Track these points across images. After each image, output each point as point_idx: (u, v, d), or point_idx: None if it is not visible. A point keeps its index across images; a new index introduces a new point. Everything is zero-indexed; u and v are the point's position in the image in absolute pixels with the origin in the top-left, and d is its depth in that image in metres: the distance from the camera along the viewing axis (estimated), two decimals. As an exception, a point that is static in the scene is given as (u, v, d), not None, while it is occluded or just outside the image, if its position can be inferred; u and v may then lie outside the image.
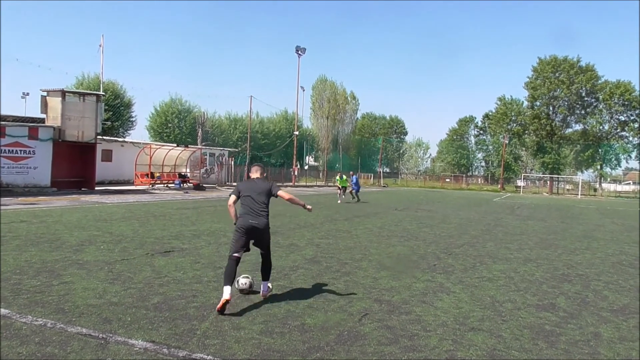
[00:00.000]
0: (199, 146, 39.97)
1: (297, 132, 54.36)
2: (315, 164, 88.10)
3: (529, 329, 4.94)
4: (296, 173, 51.97)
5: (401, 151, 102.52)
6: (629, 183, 77.45)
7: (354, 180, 25.12)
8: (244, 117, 62.38)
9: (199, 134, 46.22)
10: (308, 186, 49.26)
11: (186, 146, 36.29)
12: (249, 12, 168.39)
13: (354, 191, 24.72)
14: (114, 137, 40.73)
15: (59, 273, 6.39)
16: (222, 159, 40.54)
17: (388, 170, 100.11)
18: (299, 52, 51.12)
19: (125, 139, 39.45)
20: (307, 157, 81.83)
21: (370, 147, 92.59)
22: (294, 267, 7.45)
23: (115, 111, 48.65)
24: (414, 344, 4.37)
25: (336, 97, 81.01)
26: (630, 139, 68.18)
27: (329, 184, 57.95)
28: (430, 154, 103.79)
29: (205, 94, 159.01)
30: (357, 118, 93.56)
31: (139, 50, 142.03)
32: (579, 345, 4.54)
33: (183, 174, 34.40)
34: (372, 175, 74.79)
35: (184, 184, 31.67)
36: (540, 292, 6.59)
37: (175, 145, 36.18)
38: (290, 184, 48.27)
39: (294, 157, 53.81)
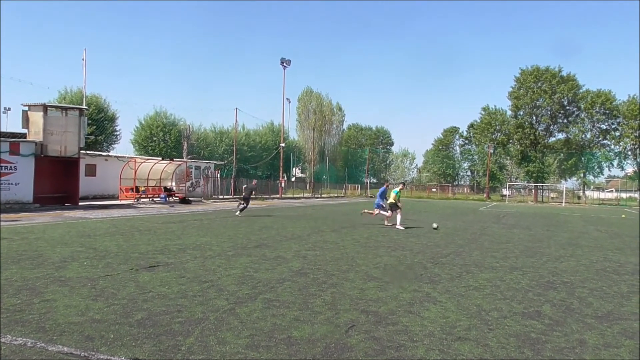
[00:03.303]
0: (185, 159, 39.72)
1: (283, 144, 54.39)
2: (303, 175, 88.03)
3: (515, 337, 4.95)
4: (283, 185, 51.86)
5: (388, 162, 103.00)
6: (612, 191, 78.53)
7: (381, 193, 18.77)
8: (229, 129, 62.27)
9: (185, 147, 45.90)
10: (295, 198, 49.20)
11: (171, 159, 36.06)
12: (235, 24, 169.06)
13: (384, 204, 18.19)
14: (98, 151, 40.34)
15: (40, 291, 6.27)
16: (208, 172, 40.36)
17: (375, 180, 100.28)
18: (284, 64, 51.31)
19: (110, 153, 39.08)
20: (294, 169, 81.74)
21: (357, 158, 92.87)
22: (280, 280, 7.40)
23: (99, 125, 48.23)
24: (400, 355, 4.35)
25: (322, 109, 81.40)
26: (612, 147, 69.44)
27: (316, 195, 57.94)
28: (417, 164, 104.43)
29: (190, 107, 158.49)
30: (344, 129, 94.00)
31: (124, 63, 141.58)
32: (564, 353, 4.56)
33: (169, 187, 34.14)
34: (359, 186, 74.97)
35: (170, 198, 31.42)
36: (526, 300, 6.62)
37: (160, 158, 35.93)
38: (277, 196, 48.14)
39: (281, 169, 53.75)
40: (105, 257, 8.95)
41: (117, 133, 53.01)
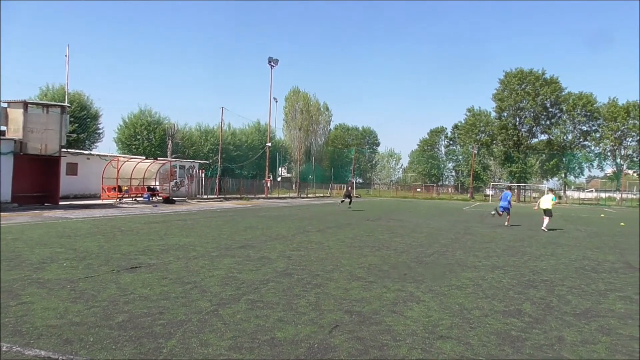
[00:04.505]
0: (169, 158, 39.41)
1: (269, 144, 54.22)
2: (289, 175, 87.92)
3: (495, 335, 5.01)
4: (269, 185, 51.72)
5: (374, 162, 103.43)
6: (592, 191, 79.84)
7: (509, 198, 21.11)
8: (215, 128, 61.92)
9: (169, 146, 45.55)
10: (281, 198, 49.11)
11: (155, 159, 35.74)
12: (221, 22, 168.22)
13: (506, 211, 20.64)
14: (80, 149, 39.78)
15: (17, 293, 6.16)
16: (193, 171, 40.09)
17: (361, 180, 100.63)
18: (272, 64, 51.16)
19: (92, 152, 38.59)
20: (280, 169, 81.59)
21: (343, 158, 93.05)
22: (264, 281, 7.37)
23: (82, 123, 47.54)
24: (383, 355, 4.36)
25: (309, 109, 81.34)
26: (592, 148, 70.63)
27: (302, 195, 57.91)
28: (402, 165, 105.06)
29: (175, 105, 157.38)
30: (330, 129, 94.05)
31: (108, 61, 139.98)
32: (544, 350, 4.62)
33: (152, 187, 33.84)
34: (345, 186, 75.16)
35: (153, 198, 31.15)
36: (507, 299, 6.69)
37: (144, 157, 35.58)
38: (263, 195, 48.01)
39: (267, 168, 53.58)
40: (86, 258, 8.83)
41: (100, 131, 52.37)
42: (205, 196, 39.38)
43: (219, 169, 48.55)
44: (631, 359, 4.47)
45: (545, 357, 4.43)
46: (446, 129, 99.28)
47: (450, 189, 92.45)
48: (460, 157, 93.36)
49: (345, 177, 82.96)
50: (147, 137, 55.03)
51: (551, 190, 23.20)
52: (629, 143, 68.11)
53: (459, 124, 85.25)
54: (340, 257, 9.96)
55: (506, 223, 20.42)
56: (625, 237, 17.15)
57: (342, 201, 31.63)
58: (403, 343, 4.68)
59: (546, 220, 18.71)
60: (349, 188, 33.80)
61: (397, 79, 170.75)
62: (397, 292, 6.85)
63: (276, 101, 69.37)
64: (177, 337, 4.64)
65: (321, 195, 62.30)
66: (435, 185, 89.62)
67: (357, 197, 64.29)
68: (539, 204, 20.38)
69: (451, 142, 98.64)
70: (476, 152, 76.09)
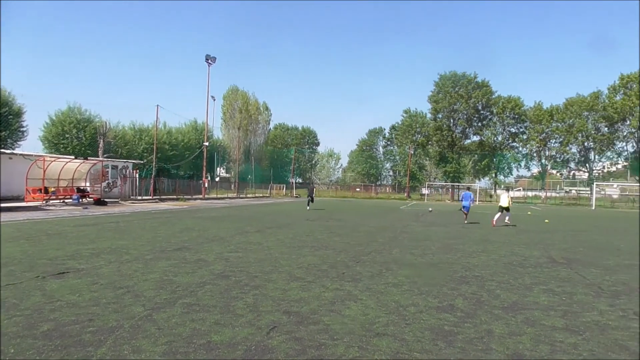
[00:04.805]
0: (100, 158, 37.76)
1: (207, 143, 53.19)
2: (227, 175, 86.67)
3: (429, 331, 5.17)
4: (206, 185, 50.72)
5: (313, 162, 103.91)
6: (520, 189, 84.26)
7: (471, 197, 23.02)
8: (150, 127, 60.00)
9: (101, 145, 43.61)
10: (219, 198, 48.30)
11: (85, 158, 34.12)
12: (158, 17, 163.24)
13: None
14: (1, 148, 37.30)
15: None
16: (126, 171, 38.64)
17: (301, 180, 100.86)
18: (209, 61, 50.20)
19: (15, 151, 36.28)
20: (218, 169, 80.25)
21: (283, 158, 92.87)
22: (201, 284, 7.22)
23: (3, 120, 44.63)
24: (321, 354, 4.39)
25: (248, 108, 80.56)
26: (520, 149, 74.68)
27: (241, 195, 57.27)
28: (342, 164, 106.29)
29: (107, 103, 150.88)
30: (270, 129, 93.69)
31: (33, 55, 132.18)
32: (474, 343, 4.82)
33: (82, 188, 32.29)
34: (285, 186, 75.01)
35: (83, 199, 29.73)
36: (440, 295, 6.93)
37: (73, 157, 33.87)
38: (200, 196, 47.02)
39: (204, 168, 52.53)
40: (8, 265, 8.29)
41: (24, 129, 49.39)
42: (139, 197, 38.07)
43: (154, 169, 47.09)
44: (552, 349, 4.75)
45: (475, 350, 4.62)
46: (384, 129, 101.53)
47: (388, 189, 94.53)
48: (397, 157, 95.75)
49: (285, 177, 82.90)
50: (76, 135, 52.48)
51: (507, 189, 25.78)
52: (552, 144, 72.55)
53: (397, 125, 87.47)
54: (279, 258, 9.93)
55: (465, 221, 22.28)
56: (549, 233, 18.22)
57: (309, 202, 33.29)
58: (340, 342, 4.73)
59: (501, 216, 21.22)
60: (312, 190, 35.67)
61: (338, 79, 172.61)
62: (335, 291, 6.92)
63: (214, 100, 68.05)
64: (108, 345, 4.46)
65: (261, 195, 61.88)
66: (373, 185, 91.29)
67: (297, 196, 64.42)
68: (499, 201, 22.61)
69: (389, 143, 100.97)
70: (412, 152, 78.34)
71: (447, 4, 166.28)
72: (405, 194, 74.67)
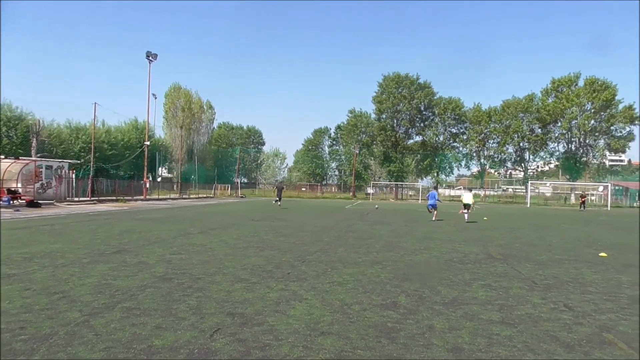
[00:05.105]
0: (33, 158, 35.83)
1: (148, 142, 51.64)
2: (169, 175, 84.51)
3: (373, 328, 5.25)
4: (148, 186, 49.25)
5: (259, 161, 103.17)
6: (460, 188, 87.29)
7: (436, 196, 25.11)
8: (87, 125, 57.55)
9: (34, 144, 41.40)
10: (161, 199, 47.01)
11: (17, 158, 32.27)
12: (96, 9, 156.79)
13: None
14: None
15: None
16: (62, 171, 36.85)
17: (246, 180, 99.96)
18: (150, 58, 48.72)
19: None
20: (159, 169, 78.07)
21: (228, 158, 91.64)
22: (141, 287, 7.00)
23: None
24: (265, 355, 4.36)
25: (191, 106, 78.86)
26: (461, 149, 77.42)
27: (184, 196, 56.02)
28: (287, 164, 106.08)
29: (41, 100, 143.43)
30: (214, 128, 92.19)
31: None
32: (416, 338, 4.94)
33: (13, 189, 30.50)
34: (230, 186, 74.03)
35: (15, 201, 28.10)
36: (384, 292, 7.06)
37: (3, 157, 31.94)
38: (142, 197, 45.60)
39: (145, 168, 50.96)
40: None
41: (-53, 127, 46.04)
42: (76, 199, 36.40)
43: (91, 169, 45.20)
44: (489, 341, 4.94)
45: (417, 345, 4.74)
46: (330, 129, 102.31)
47: (334, 188, 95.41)
48: (343, 157, 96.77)
49: (230, 177, 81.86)
50: (6, 134, 49.44)
51: (470, 189, 29.09)
52: (490, 145, 75.66)
53: (342, 125, 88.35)
54: (223, 259, 9.78)
55: (433, 218, 23.65)
56: (488, 230, 18.97)
57: (278, 201, 36.76)
58: (285, 342, 4.72)
59: (466, 213, 23.64)
60: (281, 189, 40.35)
61: (283, 78, 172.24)
62: (280, 292, 6.90)
63: (155, 98, 66.29)
64: (42, 353, 4.24)
65: (204, 195, 60.77)
66: (319, 184, 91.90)
67: (242, 196, 63.79)
68: (462, 199, 25.06)
69: (334, 142, 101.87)
70: (357, 152, 79.43)
71: (395, 3, 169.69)
72: (351, 194, 75.62)
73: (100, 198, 39.07)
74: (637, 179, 78.08)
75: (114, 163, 56.79)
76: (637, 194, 70.83)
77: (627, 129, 67.76)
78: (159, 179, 72.15)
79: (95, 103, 45.53)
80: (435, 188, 32.92)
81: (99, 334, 4.79)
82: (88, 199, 37.98)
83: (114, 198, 40.51)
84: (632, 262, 10.95)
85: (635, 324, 5.72)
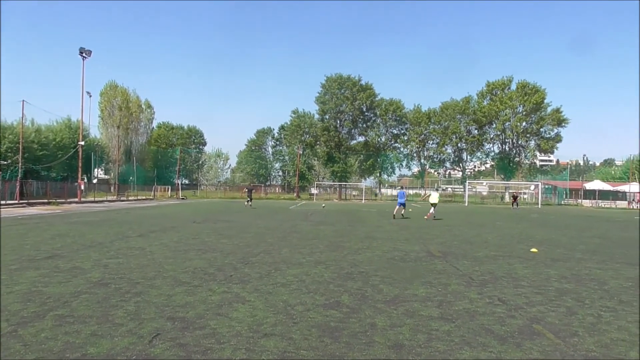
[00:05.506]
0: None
1: (82, 142, 49.39)
2: (106, 177, 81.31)
3: (316, 328, 5.27)
4: (82, 187, 47.12)
5: (200, 162, 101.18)
6: (402, 188, 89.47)
7: (404, 195, 27.52)
8: (15, 124, 54.33)
9: (-46, 144, 38.63)
10: (97, 202, 45.10)
11: None
12: (23, 4, 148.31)
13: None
14: None
15: None
16: (-13, 173, 34.57)
17: (187, 181, 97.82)
18: (84, 54, 46.63)
19: None
20: (95, 170, 74.93)
21: (168, 158, 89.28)
22: (76, 293, 6.68)
23: None
24: (207, 359, 4.28)
25: (128, 105, 76.22)
26: (402, 149, 79.32)
27: (122, 198, 54.08)
28: (230, 165, 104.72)
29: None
30: (153, 127, 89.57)
31: None
32: (358, 337, 5.00)
33: None
34: (170, 187, 72.11)
35: None
36: (327, 292, 7.10)
37: None
38: (76, 199, 43.57)
39: (79, 169, 48.73)
40: None
41: None
42: (2, 202, 34.28)
43: (20, 170, 42.71)
44: (429, 337, 5.09)
45: (360, 343, 4.80)
46: (273, 129, 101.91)
47: (277, 189, 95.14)
48: (286, 158, 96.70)
49: (171, 178, 79.83)
50: None
51: (436, 190, 32.35)
52: (430, 145, 77.99)
53: (285, 125, 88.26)
54: (163, 263, 9.51)
55: (402, 213, 26.45)
56: (428, 229, 19.51)
57: (249, 202, 38.31)
58: (227, 345, 4.66)
59: (432, 210, 26.06)
60: (251, 190, 42.19)
61: (224, 78, 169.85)
62: (222, 294, 6.79)
63: (90, 96, 63.56)
64: (-39, 369, 3.95)
65: (144, 197, 58.88)
66: (263, 185, 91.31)
67: (183, 198, 62.32)
68: (429, 198, 27.37)
69: (278, 143, 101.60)
70: (301, 152, 79.62)
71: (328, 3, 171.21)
72: (295, 194, 75.65)
73: (30, 201, 37.00)
74: (564, 178, 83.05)
75: (45, 164, 53.97)
76: (564, 192, 75.36)
77: (555, 130, 71.87)
78: (94, 181, 69.23)
79: (23, 101, 43.06)
80: (402, 188, 36.40)
81: (27, 344, 4.54)
82: (16, 202, 35.87)
83: (46, 201, 38.46)
84: (560, 257, 11.61)
85: (562, 315, 6.07)
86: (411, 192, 79.84)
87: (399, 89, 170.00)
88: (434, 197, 26.84)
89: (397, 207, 26.53)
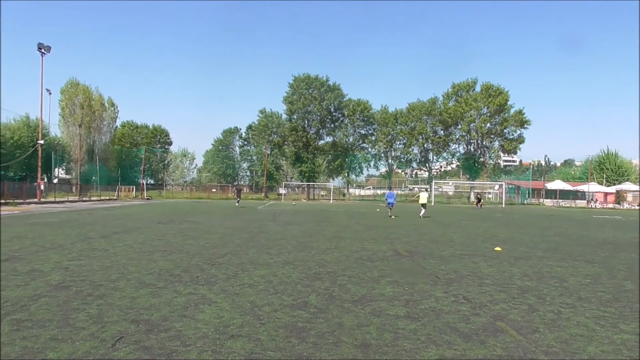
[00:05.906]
0: None
1: (42, 141, 47.80)
2: (67, 177, 78.94)
3: (284, 329, 5.25)
4: (42, 188, 45.63)
5: (166, 162, 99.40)
6: (370, 188, 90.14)
7: (394, 195, 29.38)
8: (-30, 122, 52.21)
9: None
10: (58, 202, 43.75)
11: None
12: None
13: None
14: None
15: None
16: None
17: (152, 181, 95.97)
18: (43, 50, 45.13)
19: None
20: (56, 170, 72.66)
21: (132, 158, 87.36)
22: (34, 297, 6.46)
23: None
24: (172, 362, 4.21)
25: (90, 103, 74.18)
26: (370, 149, 79.86)
27: (84, 198, 52.65)
28: (197, 165, 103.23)
29: None
30: (117, 126, 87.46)
31: None
32: (326, 337, 5.01)
33: None
34: (135, 187, 70.58)
35: None
36: (295, 292, 7.09)
37: None
38: (36, 200, 42.17)
39: (39, 169, 47.17)
40: None
41: None
42: (-43, 202, 32.87)
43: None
44: (395, 336, 5.14)
45: (327, 343, 4.81)
46: (240, 129, 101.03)
47: (245, 189, 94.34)
48: (254, 157, 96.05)
49: (135, 178, 78.16)
50: None
51: (426, 189, 34.74)
52: (397, 146, 78.81)
53: (253, 125, 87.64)
54: (127, 264, 9.30)
55: (389, 213, 28.43)
56: (395, 228, 19.72)
57: (238, 201, 41.66)
58: (193, 347, 4.59)
59: (423, 210, 27.64)
60: (240, 190, 47.27)
61: (190, 76, 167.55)
62: (188, 296, 6.69)
63: (50, 93, 61.52)
64: None
65: (107, 198, 57.47)
66: (230, 185, 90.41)
67: (148, 198, 61.14)
68: (419, 198, 29.59)
69: (246, 143, 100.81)
70: (269, 152, 79.25)
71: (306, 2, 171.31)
72: (263, 194, 75.22)
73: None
74: (527, 178, 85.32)
75: (2, 163, 52.01)
76: (527, 192, 77.42)
77: (518, 132, 73.72)
78: (55, 181, 67.15)
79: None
80: (390, 189, 38.96)
81: (-18, 351, 4.36)
82: (-29, 202, 34.44)
83: (3, 201, 37.07)
84: (522, 255, 11.92)
85: (524, 312, 6.23)
86: (379, 191, 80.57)
87: (364, 88, 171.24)
88: (424, 198, 28.78)
89: (390, 207, 28.42)
